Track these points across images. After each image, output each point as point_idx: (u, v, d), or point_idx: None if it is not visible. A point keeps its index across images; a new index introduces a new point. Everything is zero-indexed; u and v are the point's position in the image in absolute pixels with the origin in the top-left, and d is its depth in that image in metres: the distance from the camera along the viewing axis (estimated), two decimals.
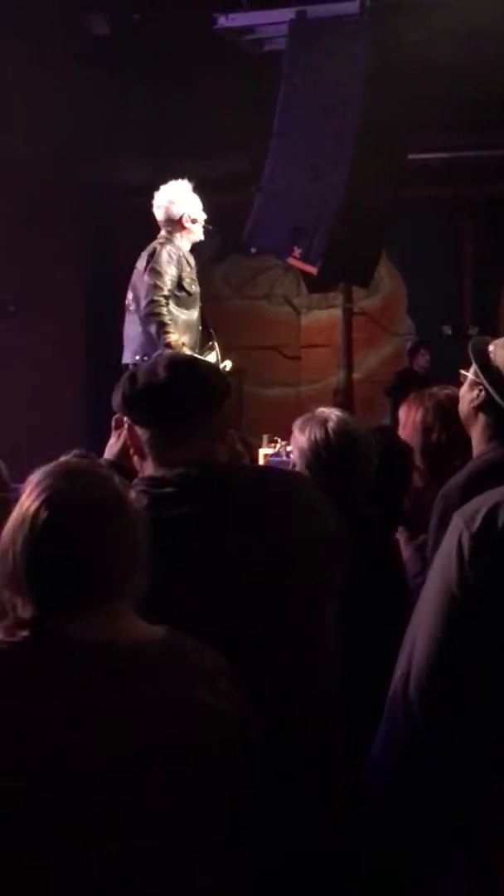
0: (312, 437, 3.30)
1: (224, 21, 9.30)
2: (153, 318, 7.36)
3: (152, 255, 7.52)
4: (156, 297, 7.35)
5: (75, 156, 12.41)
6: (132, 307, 7.69)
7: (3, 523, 2.73)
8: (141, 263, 7.67)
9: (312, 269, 8.57)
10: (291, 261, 8.67)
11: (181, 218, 7.73)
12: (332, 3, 8.61)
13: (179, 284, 7.54)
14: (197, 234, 7.84)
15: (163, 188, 7.89)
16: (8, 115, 11.60)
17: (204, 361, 2.94)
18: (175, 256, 7.55)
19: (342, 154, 8.41)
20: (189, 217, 7.75)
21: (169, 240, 7.64)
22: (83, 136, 12.19)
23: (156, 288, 7.36)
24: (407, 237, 11.85)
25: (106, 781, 1.93)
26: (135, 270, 7.75)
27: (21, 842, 1.91)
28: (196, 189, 8.14)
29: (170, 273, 7.46)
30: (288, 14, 8.81)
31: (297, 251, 8.41)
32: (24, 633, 2.00)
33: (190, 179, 8.19)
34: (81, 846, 1.92)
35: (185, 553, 2.40)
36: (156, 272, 7.41)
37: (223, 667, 2.10)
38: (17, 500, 2.11)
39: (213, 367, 2.85)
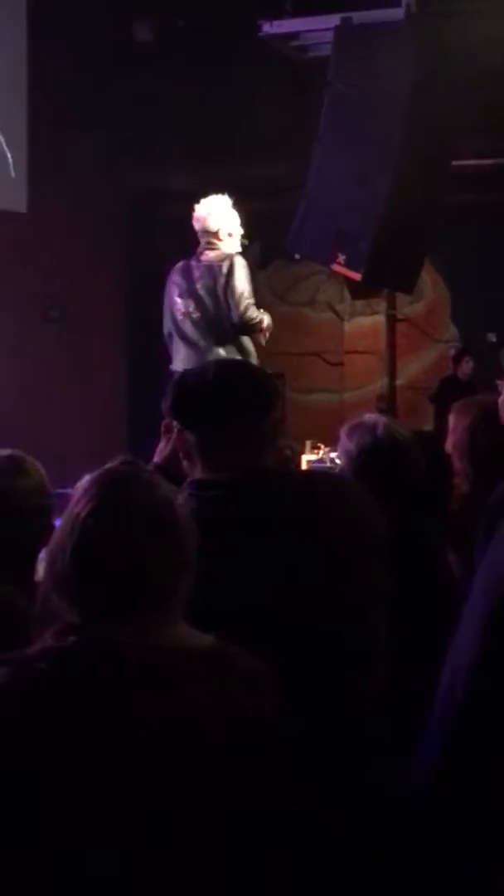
0: (361, 443, 3.31)
1: (269, 28, 9.31)
2: (251, 324, 7.58)
3: (231, 269, 7.63)
4: (248, 306, 7.57)
5: (119, 161, 12.45)
6: (195, 315, 7.77)
7: (46, 529, 2.73)
8: (207, 275, 7.75)
9: (356, 276, 8.56)
10: (335, 267, 8.65)
11: (217, 231, 7.79)
12: (377, 9, 8.61)
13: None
14: (233, 247, 7.85)
15: (203, 201, 7.96)
16: (53, 120, 11.67)
17: (254, 366, 2.95)
18: (245, 267, 7.69)
19: (387, 160, 8.40)
20: (226, 231, 7.80)
21: (238, 252, 7.77)
22: (127, 142, 12.24)
23: (243, 298, 7.58)
24: (451, 243, 11.81)
25: (151, 788, 1.93)
26: (199, 280, 7.80)
27: (62, 846, 1.91)
28: (240, 195, 8.17)
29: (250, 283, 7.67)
30: (332, 20, 8.81)
31: (341, 257, 8.40)
32: (73, 639, 2.01)
33: (234, 185, 8.22)
34: (124, 852, 1.92)
35: (235, 557, 2.40)
36: (240, 284, 7.59)
37: (268, 674, 2.09)
38: (59, 506, 2.12)
39: (263, 372, 2.84)
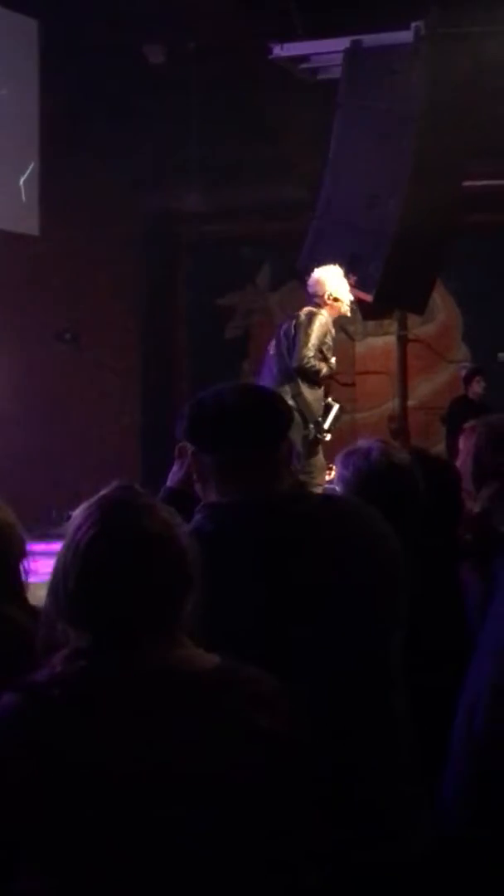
0: (356, 469, 3.29)
1: (279, 50, 9.36)
2: (306, 369, 8.29)
3: (308, 320, 8.35)
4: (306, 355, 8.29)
5: (132, 185, 12.49)
6: (272, 353, 8.67)
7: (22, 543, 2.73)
8: (291, 321, 8.54)
9: (368, 297, 8.58)
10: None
11: (325, 295, 8.41)
12: (387, 31, 8.64)
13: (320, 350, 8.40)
14: (340, 310, 8.51)
15: (318, 270, 8.51)
16: (68, 143, 11.71)
17: (268, 390, 2.95)
18: (324, 324, 8.39)
19: (398, 181, 8.43)
20: (331, 296, 8.39)
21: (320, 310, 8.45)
22: (140, 165, 12.29)
23: (306, 346, 8.30)
24: (462, 264, 11.82)
25: (164, 809, 1.94)
26: (285, 327, 8.57)
27: (78, 865, 1.92)
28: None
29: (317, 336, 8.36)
30: (343, 43, 8.85)
31: (353, 278, 8.43)
32: (82, 663, 2.02)
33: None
34: (140, 872, 1.92)
35: (249, 580, 2.40)
36: (310, 334, 8.32)
37: (279, 693, 2.09)
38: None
39: (279, 396, 2.85)
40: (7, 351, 10.87)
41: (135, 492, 2.15)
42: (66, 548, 2.08)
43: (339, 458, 3.41)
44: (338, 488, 3.43)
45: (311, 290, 8.51)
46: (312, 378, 8.39)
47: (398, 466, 3.30)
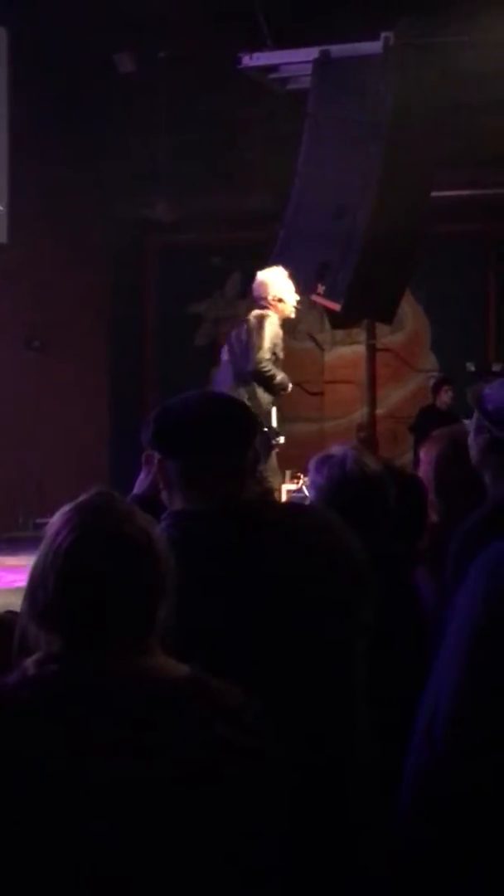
0: (330, 476, 3.31)
1: (248, 60, 9.37)
2: (264, 374, 8.42)
3: (260, 322, 8.43)
4: (264, 359, 8.41)
5: (101, 192, 12.49)
6: (225, 358, 8.82)
7: None
8: (243, 326, 8.64)
9: (336, 306, 8.61)
10: (315, 297, 8.71)
11: (269, 297, 8.48)
12: (356, 42, 8.67)
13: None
14: (284, 312, 8.53)
15: (261, 272, 8.61)
16: (38, 151, 11.70)
17: (234, 398, 2.96)
18: (273, 325, 8.46)
19: (366, 191, 8.46)
20: (276, 297, 8.45)
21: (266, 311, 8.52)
22: (109, 172, 12.29)
23: (261, 350, 8.41)
24: (431, 273, 11.87)
25: (130, 817, 1.93)
26: (236, 333, 8.71)
27: (45, 877, 1.91)
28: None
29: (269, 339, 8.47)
30: (312, 53, 8.87)
31: (321, 288, 8.45)
32: (54, 668, 2.02)
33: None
34: (105, 881, 1.92)
35: (215, 587, 2.41)
36: (260, 337, 8.43)
37: (247, 704, 2.10)
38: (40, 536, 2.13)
39: (243, 404, 2.86)
40: None
41: (113, 498, 2.16)
42: (44, 552, 2.08)
43: (312, 464, 3.42)
44: (310, 494, 3.44)
45: (255, 293, 8.58)
46: (267, 382, 8.46)
47: (371, 476, 3.32)
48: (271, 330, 8.39)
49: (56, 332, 12.43)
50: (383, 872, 2.40)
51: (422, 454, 4.00)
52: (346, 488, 3.27)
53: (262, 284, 8.49)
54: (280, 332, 8.59)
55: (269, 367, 8.38)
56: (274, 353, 8.45)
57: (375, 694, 2.61)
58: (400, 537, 3.42)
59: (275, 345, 8.46)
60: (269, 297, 8.43)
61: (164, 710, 2.01)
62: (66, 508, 2.12)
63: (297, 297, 8.55)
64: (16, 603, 2.96)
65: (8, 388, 11.72)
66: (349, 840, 2.49)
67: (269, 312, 8.42)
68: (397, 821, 2.27)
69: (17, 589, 7.44)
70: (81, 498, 2.14)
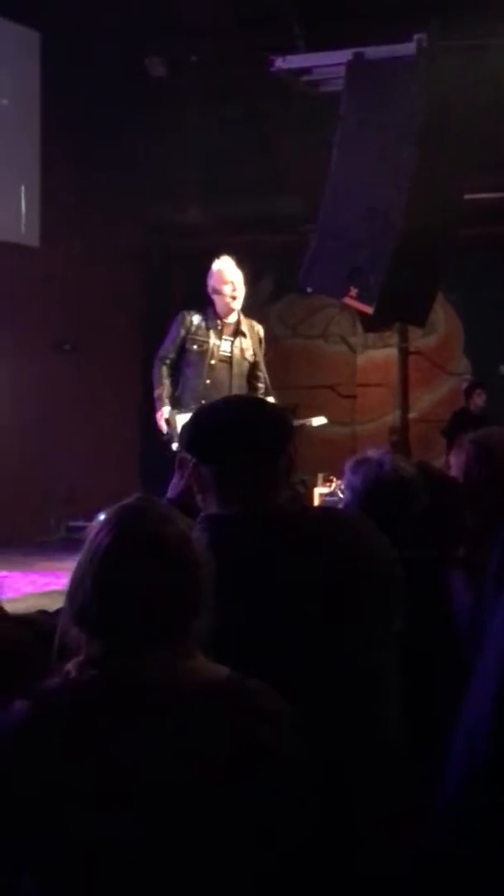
0: (366, 478, 3.30)
1: (281, 63, 9.35)
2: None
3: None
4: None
5: (132, 197, 12.51)
6: None
7: None
8: None
9: (368, 309, 8.57)
10: (347, 300, 8.67)
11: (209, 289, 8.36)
12: (389, 44, 8.64)
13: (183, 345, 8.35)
14: (218, 304, 8.33)
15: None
16: (69, 155, 11.73)
17: (270, 403, 2.95)
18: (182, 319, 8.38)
19: (399, 194, 8.42)
20: (213, 289, 8.31)
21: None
22: (140, 177, 12.30)
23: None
24: (464, 276, 11.83)
25: (168, 819, 1.94)
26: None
27: (78, 876, 1.93)
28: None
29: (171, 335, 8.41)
30: (344, 55, 8.84)
31: (353, 291, 8.42)
32: (94, 671, 2.03)
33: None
34: (137, 882, 1.93)
35: (247, 592, 2.40)
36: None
37: (283, 709, 2.10)
38: (74, 539, 2.14)
39: (280, 408, 2.85)
40: (6, 361, 10.89)
41: (154, 501, 2.17)
42: (84, 555, 2.09)
43: (348, 466, 3.42)
44: (345, 495, 3.43)
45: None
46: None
47: (406, 479, 3.32)
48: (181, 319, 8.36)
49: (87, 335, 12.46)
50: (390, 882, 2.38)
51: (451, 458, 3.99)
52: (381, 490, 3.27)
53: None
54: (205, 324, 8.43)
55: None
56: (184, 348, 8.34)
57: (405, 700, 2.60)
58: (433, 540, 3.41)
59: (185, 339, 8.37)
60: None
61: (203, 713, 2.02)
62: (106, 512, 2.12)
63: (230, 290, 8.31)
64: (48, 606, 2.95)
65: (40, 391, 11.75)
66: (356, 845, 2.47)
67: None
68: (432, 830, 2.25)
69: (50, 592, 7.44)
70: (122, 501, 2.14)
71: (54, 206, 11.59)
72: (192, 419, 2.72)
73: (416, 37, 8.45)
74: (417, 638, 2.76)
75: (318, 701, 2.30)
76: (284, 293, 13.34)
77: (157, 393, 8.35)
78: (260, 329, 8.47)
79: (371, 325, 10.30)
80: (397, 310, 9.15)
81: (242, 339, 8.32)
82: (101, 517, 2.13)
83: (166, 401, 8.27)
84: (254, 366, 8.41)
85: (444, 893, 2.24)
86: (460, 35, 8.59)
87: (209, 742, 1.99)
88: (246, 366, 8.35)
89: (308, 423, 8.64)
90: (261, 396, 7.96)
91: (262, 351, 8.46)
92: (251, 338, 8.34)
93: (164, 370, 8.37)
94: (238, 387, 8.23)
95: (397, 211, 8.38)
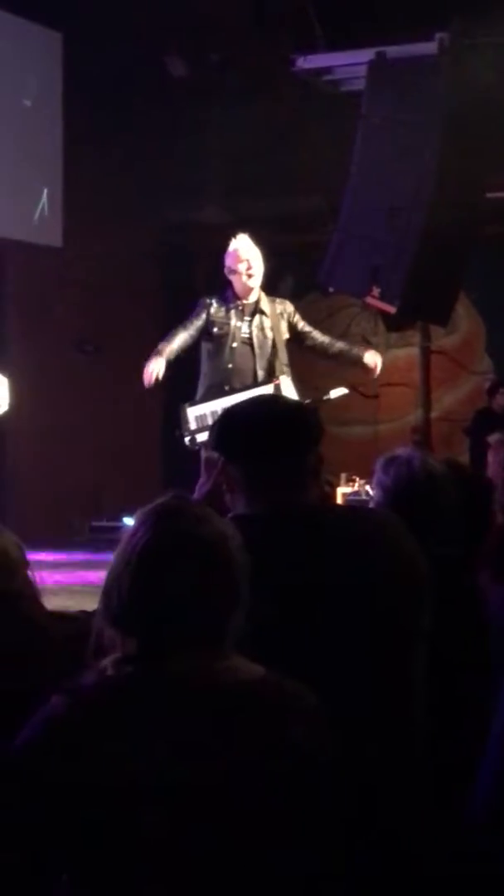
0: (397, 476, 3.30)
1: (302, 62, 9.36)
2: None
3: None
4: None
5: (153, 196, 12.51)
6: None
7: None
8: None
9: (391, 309, 8.57)
10: (370, 300, 8.67)
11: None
12: (411, 43, 8.63)
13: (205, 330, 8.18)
14: (236, 284, 8.17)
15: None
16: (91, 155, 11.74)
17: (299, 402, 2.95)
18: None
19: (420, 193, 8.42)
20: (229, 269, 8.18)
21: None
22: (161, 176, 12.31)
23: None
24: (485, 275, 11.79)
25: (205, 818, 1.95)
26: None
27: (112, 871, 1.94)
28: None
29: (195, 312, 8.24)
30: (366, 55, 8.84)
31: (376, 290, 8.41)
32: (129, 669, 2.04)
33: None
34: (172, 879, 1.94)
35: (277, 592, 2.40)
36: None
37: (318, 708, 2.11)
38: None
39: (309, 407, 2.85)
40: (29, 361, 10.91)
41: (190, 501, 2.17)
42: (120, 555, 2.10)
43: (378, 464, 3.41)
44: (374, 493, 3.43)
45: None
46: None
47: (437, 477, 3.31)
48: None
49: (109, 336, 12.47)
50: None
51: (490, 455, 3.97)
52: (411, 488, 3.26)
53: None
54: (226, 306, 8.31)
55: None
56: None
57: (431, 699, 2.60)
58: (462, 539, 3.40)
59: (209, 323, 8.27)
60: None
61: (238, 712, 2.02)
62: (142, 511, 2.13)
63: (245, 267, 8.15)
64: (74, 606, 2.96)
65: (62, 392, 11.77)
66: (406, 842, 2.47)
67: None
68: (466, 830, 2.25)
69: (76, 592, 7.44)
70: (158, 500, 2.15)
71: (76, 207, 11.61)
72: (221, 418, 2.74)
73: (437, 36, 8.45)
74: (446, 637, 2.76)
75: (347, 700, 2.30)
76: (305, 293, 13.32)
77: (160, 346, 8.20)
78: (287, 306, 8.22)
79: (393, 324, 10.29)
80: (420, 309, 9.14)
81: (263, 317, 8.08)
82: (137, 516, 2.13)
83: (164, 357, 8.10)
84: (277, 343, 8.15)
85: (478, 893, 2.24)
86: (482, 34, 8.58)
87: (244, 741, 2.00)
88: (269, 346, 8.09)
89: (327, 398, 8.50)
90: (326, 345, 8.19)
91: (300, 320, 8.24)
92: (272, 316, 8.09)
93: (180, 331, 8.21)
94: (262, 368, 8.06)
95: (419, 210, 8.38)
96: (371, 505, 3.40)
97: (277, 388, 7.93)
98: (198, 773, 1.96)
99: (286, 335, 8.12)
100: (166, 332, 8.42)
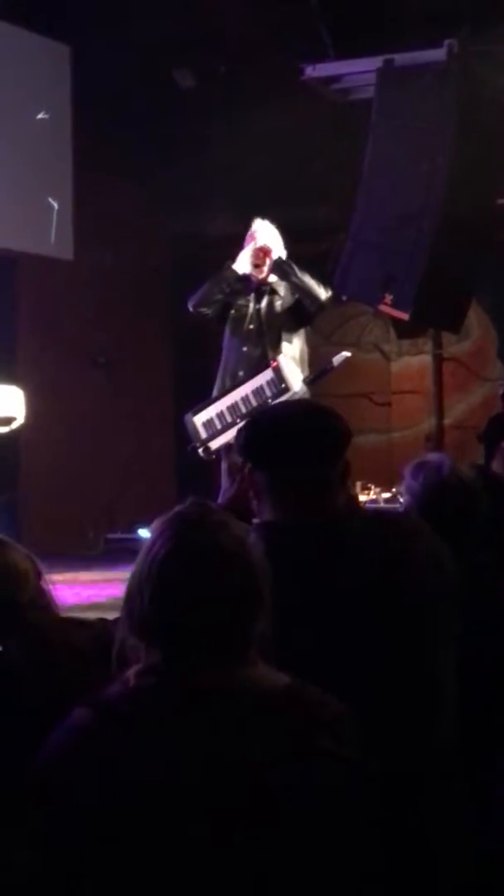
0: (426, 482, 3.29)
1: (311, 71, 9.37)
2: None
3: None
4: None
5: (163, 208, 12.52)
6: None
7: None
8: None
9: (404, 316, 8.56)
10: (383, 307, 8.66)
11: None
12: (420, 50, 8.63)
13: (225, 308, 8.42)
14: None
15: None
16: (101, 167, 11.76)
17: (327, 408, 2.94)
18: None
19: (431, 200, 8.41)
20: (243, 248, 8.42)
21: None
22: (170, 188, 12.32)
23: None
24: (497, 281, 11.79)
25: (230, 829, 1.94)
26: None
27: (138, 882, 1.93)
28: (285, 237, 8.35)
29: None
30: (374, 63, 8.84)
31: (388, 298, 8.41)
32: (153, 680, 2.02)
33: (278, 229, 8.41)
34: (194, 890, 1.93)
35: (304, 599, 2.39)
36: None
37: (343, 714, 2.09)
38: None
39: (337, 414, 2.84)
40: (41, 375, 10.90)
41: (209, 508, 2.16)
42: (141, 564, 2.08)
43: (408, 470, 3.41)
44: (404, 499, 3.43)
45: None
46: None
47: (467, 483, 3.31)
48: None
49: (122, 349, 12.47)
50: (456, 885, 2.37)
51: (497, 459, 3.96)
52: (441, 494, 3.26)
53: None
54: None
55: None
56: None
57: (460, 703, 2.59)
58: (491, 544, 3.39)
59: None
60: None
61: (262, 721, 2.00)
62: (161, 519, 2.12)
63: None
64: (92, 617, 2.95)
65: (75, 405, 11.77)
66: (424, 852, 2.46)
67: None
68: (492, 830, 2.24)
69: (94, 604, 7.42)
70: (177, 508, 2.14)
71: (87, 219, 11.61)
72: (247, 424, 2.73)
73: (446, 42, 8.45)
74: (474, 641, 2.75)
75: (375, 706, 2.29)
76: None
77: None
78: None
79: (405, 331, 10.29)
80: (433, 316, 9.14)
81: (274, 296, 8.30)
82: (156, 524, 2.12)
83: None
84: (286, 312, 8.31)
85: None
86: (491, 40, 8.58)
87: (270, 749, 1.98)
88: (277, 322, 8.26)
89: (330, 366, 8.45)
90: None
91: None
92: (279, 288, 8.29)
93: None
94: (272, 348, 8.16)
95: (431, 217, 8.37)
96: (400, 510, 3.40)
97: (277, 369, 7.94)
98: (224, 782, 1.94)
99: (291, 300, 8.28)
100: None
